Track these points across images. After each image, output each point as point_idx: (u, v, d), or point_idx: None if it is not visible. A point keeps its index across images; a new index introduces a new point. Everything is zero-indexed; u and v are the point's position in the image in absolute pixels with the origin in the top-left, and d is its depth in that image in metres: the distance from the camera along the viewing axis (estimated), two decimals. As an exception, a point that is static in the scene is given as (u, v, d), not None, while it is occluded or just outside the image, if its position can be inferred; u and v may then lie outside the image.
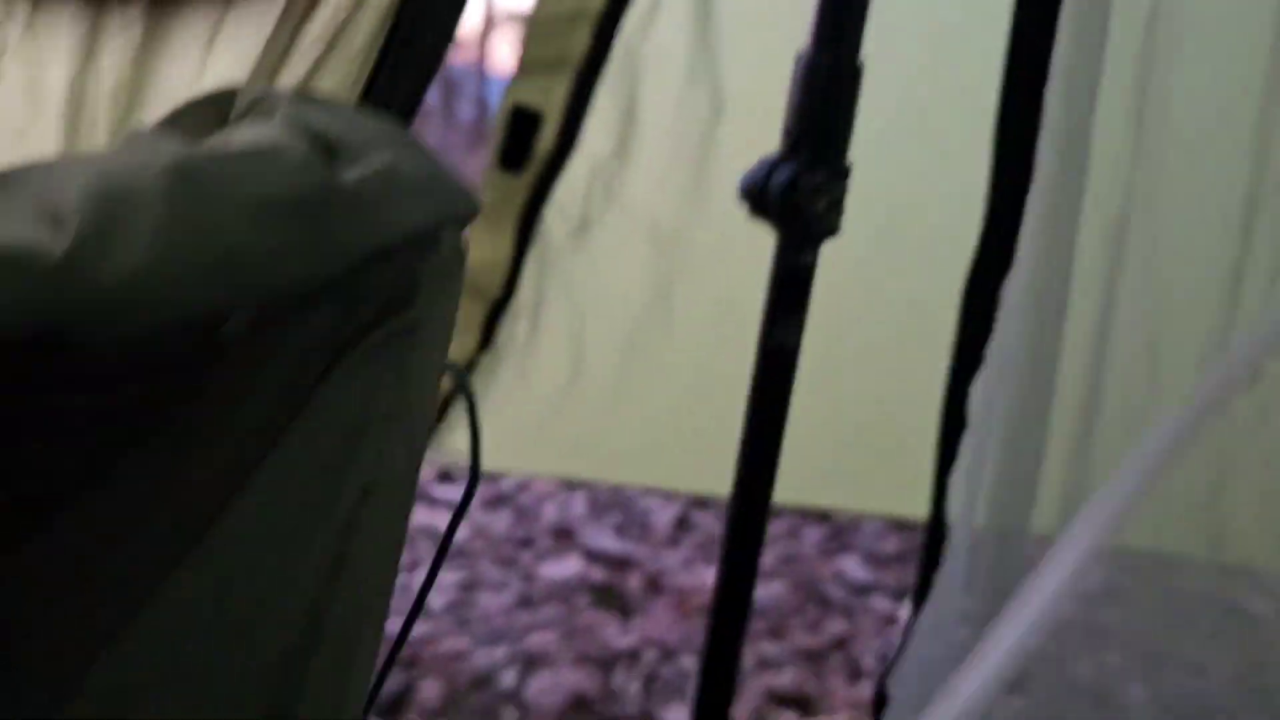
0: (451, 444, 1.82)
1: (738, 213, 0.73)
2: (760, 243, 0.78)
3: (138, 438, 0.22)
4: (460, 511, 0.49)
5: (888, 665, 0.90)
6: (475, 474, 0.47)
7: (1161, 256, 1.04)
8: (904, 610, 2.31)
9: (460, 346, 1.56)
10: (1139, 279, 1.01)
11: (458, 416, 1.77)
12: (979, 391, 0.85)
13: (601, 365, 1.55)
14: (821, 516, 2.77)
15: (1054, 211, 0.81)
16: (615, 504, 2.66)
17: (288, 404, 0.26)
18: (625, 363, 1.55)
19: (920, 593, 0.89)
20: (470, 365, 1.60)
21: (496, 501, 2.56)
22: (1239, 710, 1.56)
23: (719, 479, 1.92)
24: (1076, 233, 0.88)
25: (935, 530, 0.86)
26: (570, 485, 2.71)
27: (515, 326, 1.54)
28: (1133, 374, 1.14)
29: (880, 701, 0.86)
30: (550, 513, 2.55)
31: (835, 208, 0.65)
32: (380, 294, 0.27)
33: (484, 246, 1.44)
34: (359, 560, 0.34)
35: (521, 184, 1.42)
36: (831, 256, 0.76)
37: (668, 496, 2.69)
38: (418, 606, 0.48)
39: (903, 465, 1.54)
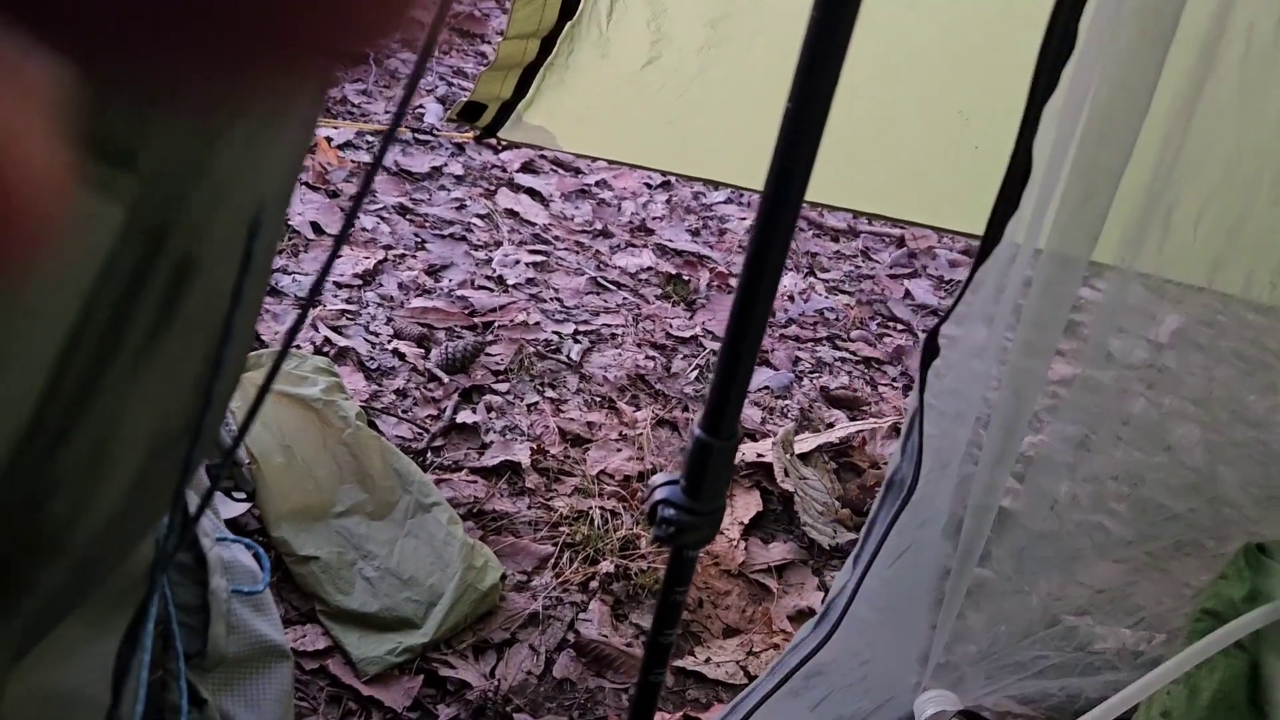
0: (531, 121, 1.83)
1: None
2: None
3: None
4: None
5: (942, 316, 0.93)
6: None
7: None
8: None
9: (546, 8, 1.54)
10: None
11: (539, 96, 1.77)
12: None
13: (681, 44, 1.52)
14: (899, 241, 2.76)
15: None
16: (694, 209, 2.68)
17: None
18: (707, 43, 1.51)
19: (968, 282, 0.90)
20: (553, 34, 1.58)
21: (579, 194, 2.60)
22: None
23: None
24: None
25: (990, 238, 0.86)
26: (651, 186, 2.72)
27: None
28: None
29: (930, 352, 0.90)
30: (630, 209, 2.58)
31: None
32: None
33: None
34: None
35: None
36: None
37: (746, 205, 2.70)
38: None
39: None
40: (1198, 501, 1.67)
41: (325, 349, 1.78)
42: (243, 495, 1.35)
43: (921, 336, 2.32)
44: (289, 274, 1.98)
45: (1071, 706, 1.43)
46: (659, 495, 0.80)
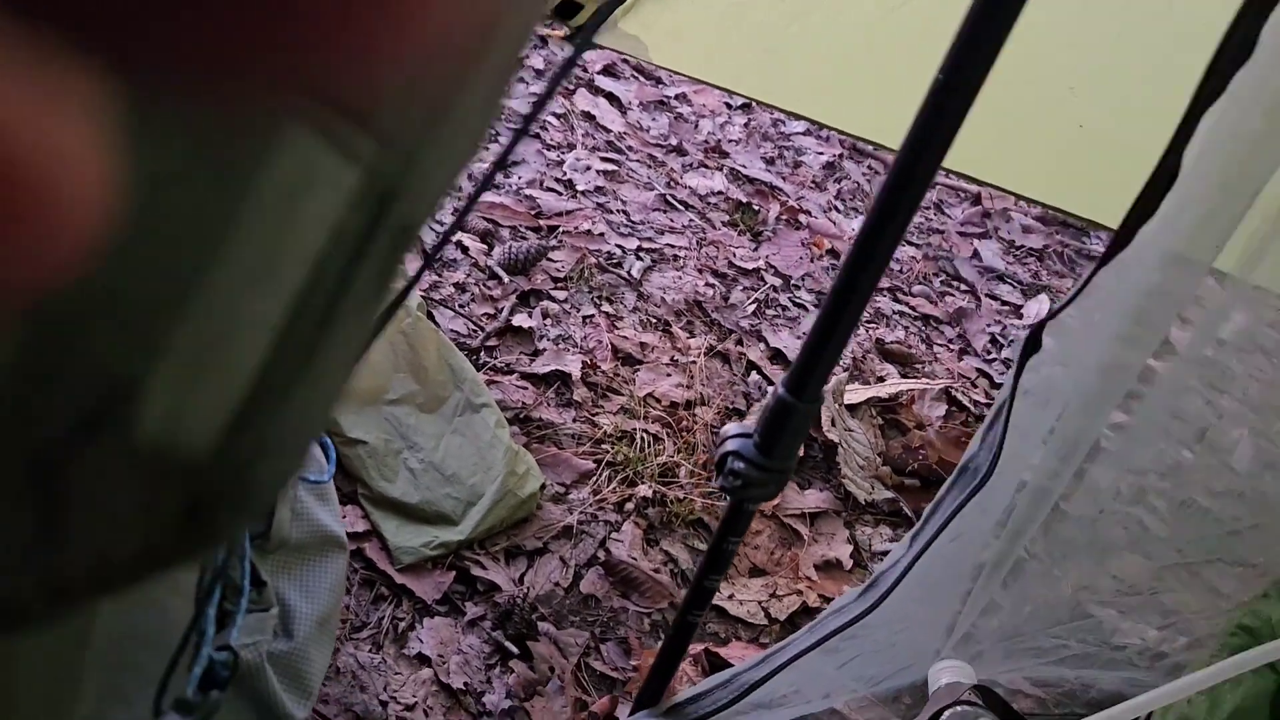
0: (626, 29, 1.78)
1: None
2: None
3: None
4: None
5: (1051, 313, 0.90)
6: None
7: None
8: (1034, 305, 2.30)
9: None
10: None
11: (639, 4, 1.72)
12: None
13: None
14: (974, 199, 2.70)
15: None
16: (772, 137, 2.62)
17: None
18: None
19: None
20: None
21: (657, 105, 2.54)
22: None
23: (878, 127, 1.86)
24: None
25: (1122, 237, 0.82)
26: (730, 106, 2.66)
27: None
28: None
29: (1032, 346, 0.87)
30: (707, 128, 2.53)
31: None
32: None
33: None
34: None
35: None
36: None
37: (824, 139, 2.64)
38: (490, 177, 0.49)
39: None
40: (1240, 508, 1.65)
41: (390, 231, 1.77)
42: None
43: (984, 300, 2.28)
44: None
45: (1084, 695, 1.44)
46: (730, 447, 0.79)
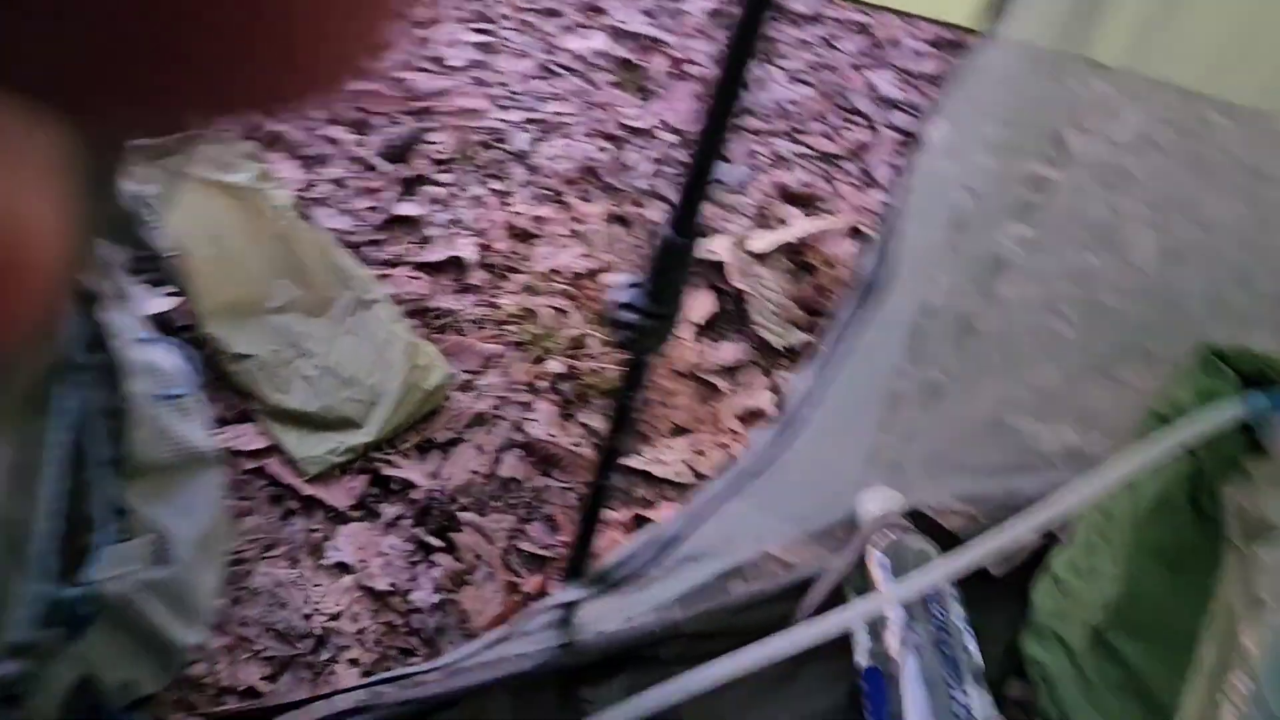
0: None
1: None
2: None
3: None
4: None
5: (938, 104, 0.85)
6: None
7: None
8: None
9: None
10: None
11: None
12: None
13: None
14: (861, 28, 2.63)
15: None
16: (650, -12, 2.50)
17: None
18: None
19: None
20: None
21: (524, -32, 2.40)
22: (1241, 265, 1.57)
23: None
24: None
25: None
26: (604, -39, 2.53)
27: None
28: None
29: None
30: (580, -14, 2.40)
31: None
32: None
33: None
34: None
35: None
36: None
37: (706, -15, 2.53)
38: None
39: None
40: (1147, 305, 1.67)
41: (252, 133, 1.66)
42: (171, 290, 1.28)
43: (883, 131, 2.24)
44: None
45: (1011, 505, 1.46)
46: (622, 298, 0.75)
